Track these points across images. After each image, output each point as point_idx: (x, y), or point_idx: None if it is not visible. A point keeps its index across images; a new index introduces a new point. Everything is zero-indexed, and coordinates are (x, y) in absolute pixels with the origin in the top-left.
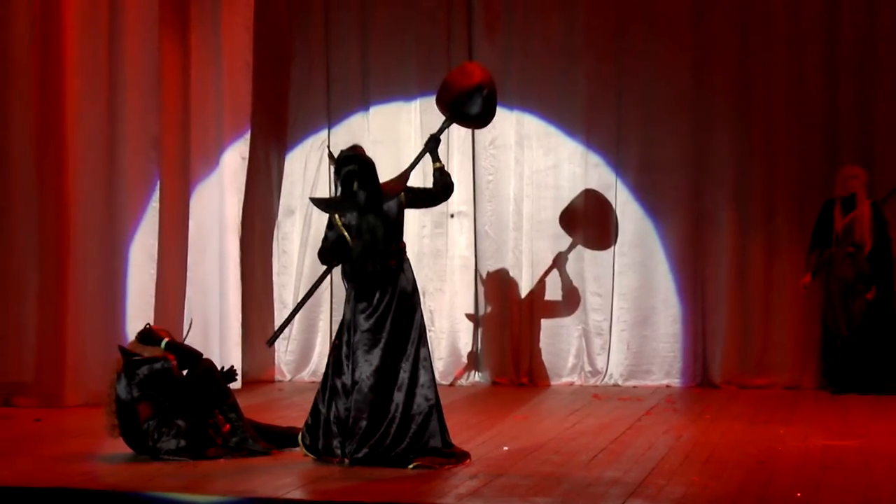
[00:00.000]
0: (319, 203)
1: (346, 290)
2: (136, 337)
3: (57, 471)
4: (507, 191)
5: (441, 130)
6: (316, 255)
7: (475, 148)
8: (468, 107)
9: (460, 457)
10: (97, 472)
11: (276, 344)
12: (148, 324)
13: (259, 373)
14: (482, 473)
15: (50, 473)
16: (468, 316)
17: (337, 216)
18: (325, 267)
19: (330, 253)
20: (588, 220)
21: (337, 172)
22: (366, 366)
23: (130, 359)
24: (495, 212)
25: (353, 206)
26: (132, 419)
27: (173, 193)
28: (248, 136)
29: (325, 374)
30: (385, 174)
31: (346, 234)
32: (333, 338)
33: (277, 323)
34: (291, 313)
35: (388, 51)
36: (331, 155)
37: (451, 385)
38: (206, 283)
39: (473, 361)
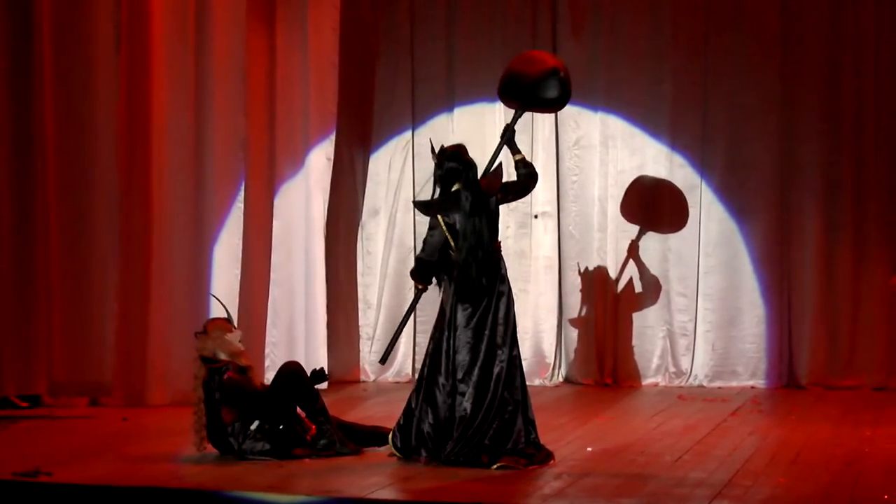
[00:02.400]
0: (422, 206)
1: (445, 288)
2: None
3: (143, 470)
4: (591, 191)
5: (515, 120)
6: (399, 255)
7: (559, 148)
8: (546, 91)
9: (545, 457)
10: (183, 472)
11: (361, 344)
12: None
13: (344, 373)
14: (566, 474)
15: (136, 472)
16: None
17: (440, 217)
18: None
19: (427, 268)
20: (651, 205)
21: (439, 166)
22: (470, 364)
23: (210, 365)
24: (580, 213)
25: (460, 207)
26: (217, 420)
27: (258, 194)
28: (333, 136)
29: (422, 373)
30: None
31: (448, 235)
32: (430, 337)
33: (362, 323)
34: (399, 326)
35: (474, 51)
36: (433, 148)
37: (536, 386)
38: (291, 284)
39: (558, 362)
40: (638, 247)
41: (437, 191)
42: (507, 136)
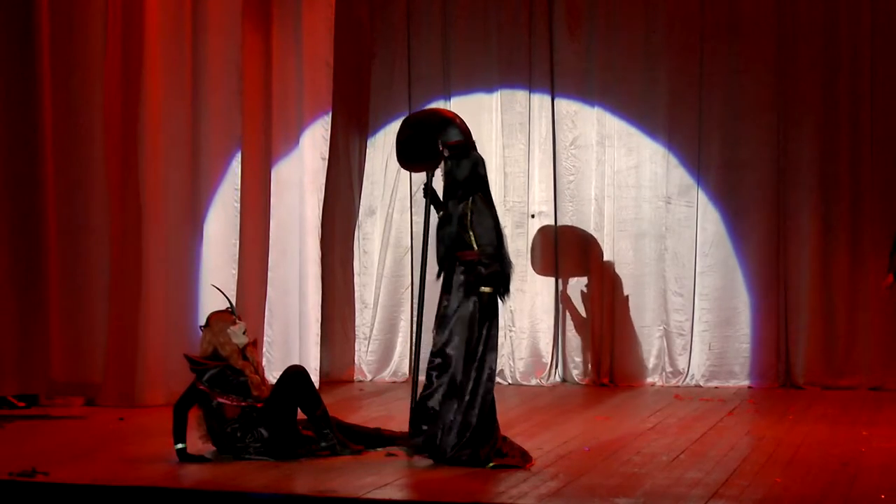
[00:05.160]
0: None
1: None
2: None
3: (140, 469)
4: (588, 191)
5: (430, 178)
6: (395, 255)
7: (556, 148)
8: (449, 136)
9: (524, 455)
10: (180, 471)
11: (357, 344)
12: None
13: (340, 373)
14: (563, 474)
15: (133, 472)
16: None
17: (479, 202)
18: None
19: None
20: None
21: (457, 158)
22: (460, 362)
23: (195, 367)
24: (576, 212)
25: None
26: (218, 418)
27: (254, 193)
28: (327, 136)
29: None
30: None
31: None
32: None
33: (358, 323)
34: None
35: (470, 52)
36: (446, 143)
37: (533, 386)
38: (286, 284)
39: (554, 362)
40: (569, 297)
41: (449, 181)
42: (430, 195)
